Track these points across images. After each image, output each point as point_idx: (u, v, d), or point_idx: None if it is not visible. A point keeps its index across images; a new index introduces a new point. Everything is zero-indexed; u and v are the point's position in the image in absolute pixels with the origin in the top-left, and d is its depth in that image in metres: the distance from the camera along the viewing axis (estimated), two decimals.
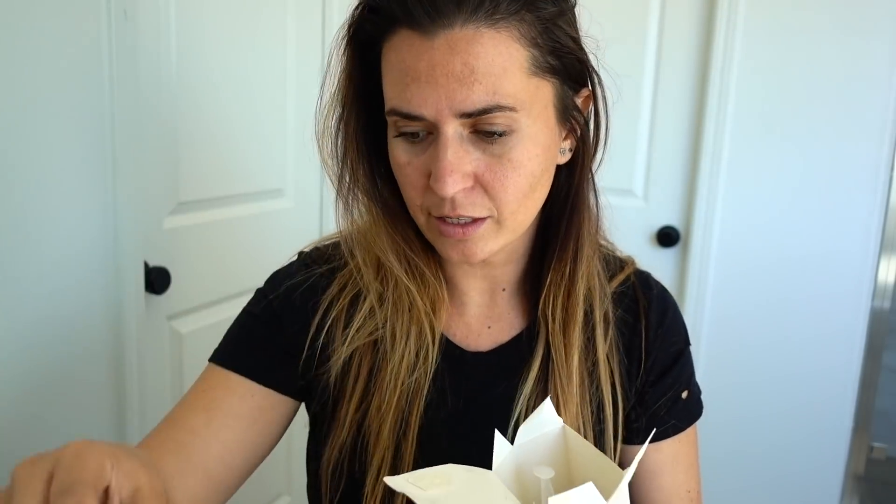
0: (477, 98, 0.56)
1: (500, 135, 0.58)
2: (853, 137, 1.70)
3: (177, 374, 1.36)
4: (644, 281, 0.76)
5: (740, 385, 1.84)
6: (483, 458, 0.65)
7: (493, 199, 0.60)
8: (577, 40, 0.62)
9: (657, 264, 1.68)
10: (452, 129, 0.57)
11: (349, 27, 0.63)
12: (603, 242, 0.76)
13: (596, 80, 0.65)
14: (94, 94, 1.06)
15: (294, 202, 1.67)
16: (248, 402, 0.69)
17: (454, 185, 0.57)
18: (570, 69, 0.62)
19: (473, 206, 0.60)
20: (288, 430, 0.74)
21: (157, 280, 1.24)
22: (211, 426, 0.66)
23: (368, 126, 0.66)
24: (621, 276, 0.75)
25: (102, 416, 1.14)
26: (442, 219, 0.61)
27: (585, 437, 0.67)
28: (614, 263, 0.77)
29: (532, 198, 0.62)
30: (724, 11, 1.71)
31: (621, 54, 1.81)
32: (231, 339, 0.73)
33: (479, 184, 0.59)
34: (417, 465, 0.67)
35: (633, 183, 1.88)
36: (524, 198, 0.61)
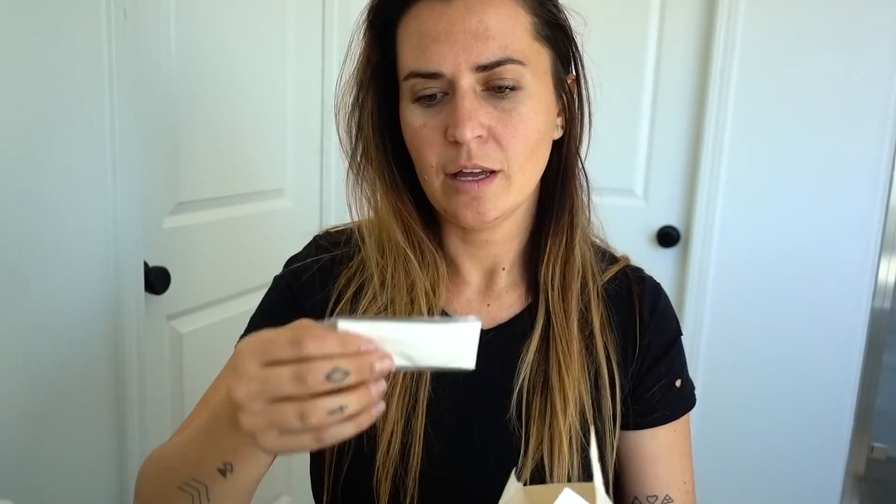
0: (491, 52, 0.63)
1: (511, 89, 0.64)
2: (853, 137, 1.70)
3: (177, 374, 1.36)
4: (637, 272, 0.80)
5: (740, 385, 1.83)
6: (483, 432, 0.70)
7: (504, 151, 0.65)
8: (564, 18, 0.70)
9: (657, 264, 1.68)
10: (468, 84, 0.63)
11: (370, 10, 0.69)
12: (597, 240, 0.80)
13: (580, 62, 0.72)
14: (94, 94, 1.06)
15: (294, 202, 1.67)
16: None
17: (472, 130, 0.63)
18: (560, 45, 0.70)
19: (487, 157, 0.65)
20: None
21: (156, 280, 1.24)
22: None
23: (382, 106, 0.72)
24: (615, 268, 0.78)
25: (102, 416, 1.14)
26: (457, 177, 0.66)
27: (583, 406, 0.70)
28: (609, 258, 0.80)
29: (537, 154, 0.68)
30: (724, 11, 1.71)
31: (621, 54, 1.81)
32: (254, 323, 0.77)
33: (492, 136, 0.65)
34: (428, 438, 0.69)
35: (633, 183, 1.88)
36: (530, 153, 0.67)
